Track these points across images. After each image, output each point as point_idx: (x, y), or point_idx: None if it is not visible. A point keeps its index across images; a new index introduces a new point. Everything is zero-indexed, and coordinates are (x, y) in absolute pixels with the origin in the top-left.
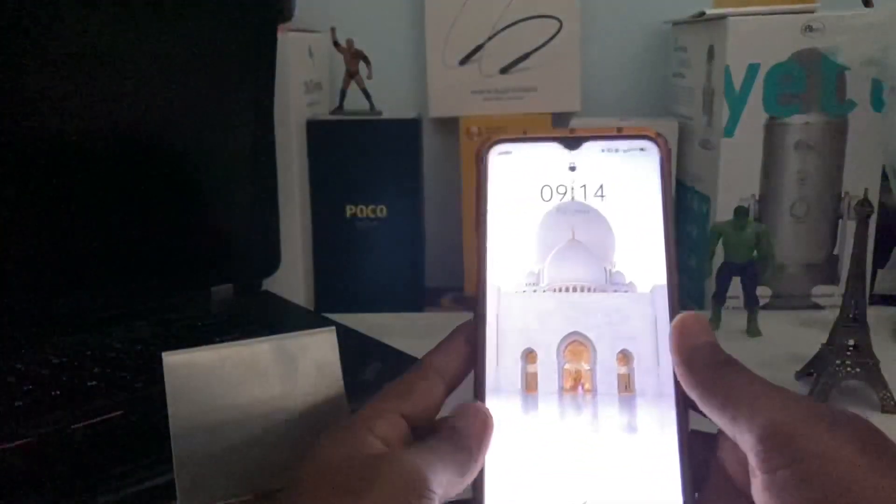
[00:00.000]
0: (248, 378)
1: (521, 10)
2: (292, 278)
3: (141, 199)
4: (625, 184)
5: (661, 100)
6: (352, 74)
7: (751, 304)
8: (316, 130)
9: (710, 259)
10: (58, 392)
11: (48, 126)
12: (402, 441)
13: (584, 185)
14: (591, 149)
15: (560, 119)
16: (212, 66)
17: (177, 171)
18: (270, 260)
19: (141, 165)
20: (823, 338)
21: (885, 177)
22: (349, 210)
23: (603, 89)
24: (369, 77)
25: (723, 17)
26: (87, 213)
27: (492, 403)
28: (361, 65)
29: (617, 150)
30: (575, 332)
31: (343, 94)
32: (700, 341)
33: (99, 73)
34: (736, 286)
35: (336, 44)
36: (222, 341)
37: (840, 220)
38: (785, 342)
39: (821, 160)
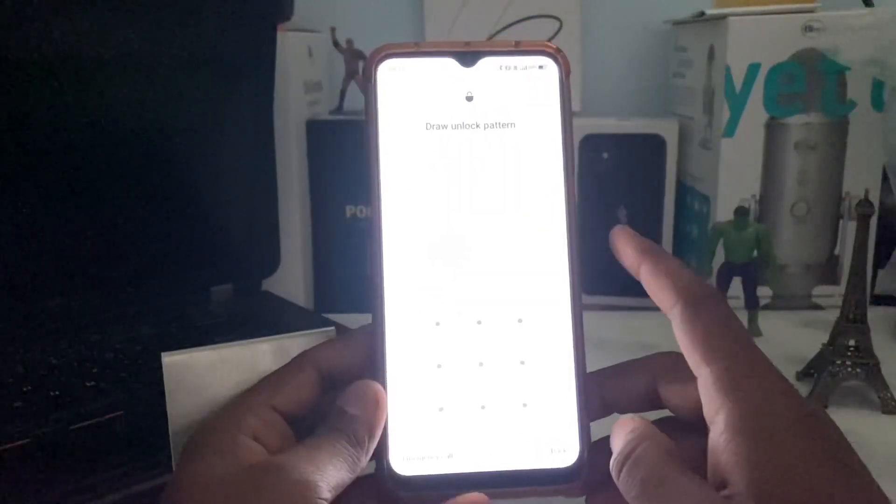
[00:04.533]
0: (248, 378)
1: (521, 10)
2: (292, 278)
3: (140, 200)
4: (524, 112)
5: (661, 100)
6: (352, 74)
7: (751, 304)
8: (316, 130)
9: (710, 259)
10: (57, 392)
11: (47, 125)
12: (281, 438)
13: (482, 120)
14: (488, 66)
15: None
16: (211, 65)
17: (176, 172)
18: (270, 260)
19: (140, 165)
20: (824, 338)
21: (885, 177)
22: (349, 210)
23: (603, 89)
24: None
25: (723, 17)
26: (87, 213)
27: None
28: (361, 65)
29: (515, 68)
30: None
31: (343, 94)
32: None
33: (97, 72)
34: (736, 286)
35: (336, 44)
36: (222, 341)
37: (840, 221)
38: (785, 342)
39: (821, 160)
